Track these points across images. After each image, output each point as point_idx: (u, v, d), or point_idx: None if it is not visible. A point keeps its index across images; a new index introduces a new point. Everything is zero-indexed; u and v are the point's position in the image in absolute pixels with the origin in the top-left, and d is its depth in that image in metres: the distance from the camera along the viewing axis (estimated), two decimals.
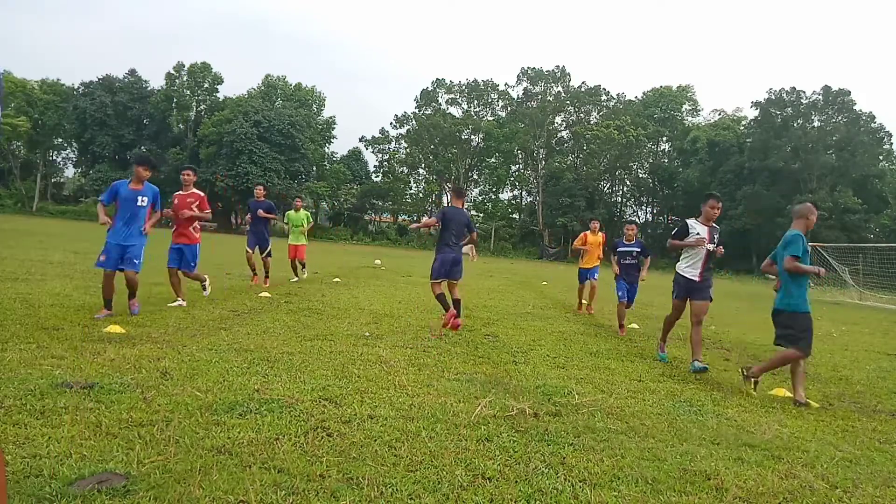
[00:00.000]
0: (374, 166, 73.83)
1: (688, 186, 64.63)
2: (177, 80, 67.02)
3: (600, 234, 12.02)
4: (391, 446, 3.27)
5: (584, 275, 11.98)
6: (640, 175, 71.66)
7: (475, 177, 74.10)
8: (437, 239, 8.15)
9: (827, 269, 27.51)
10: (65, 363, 4.36)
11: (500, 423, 3.83)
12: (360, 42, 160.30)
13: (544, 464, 3.21)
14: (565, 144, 71.37)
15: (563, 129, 71.80)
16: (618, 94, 71.23)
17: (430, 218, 9.38)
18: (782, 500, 3.05)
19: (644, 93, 74.00)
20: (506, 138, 69.64)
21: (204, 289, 8.84)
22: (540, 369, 5.76)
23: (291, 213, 13.11)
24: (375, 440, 3.34)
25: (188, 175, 8.57)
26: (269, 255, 11.57)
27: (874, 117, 57.37)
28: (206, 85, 67.57)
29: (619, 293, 9.39)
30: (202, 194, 8.69)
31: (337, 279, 14.10)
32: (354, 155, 74.64)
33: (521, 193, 75.49)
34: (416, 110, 72.14)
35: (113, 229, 6.84)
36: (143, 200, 6.99)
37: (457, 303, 7.89)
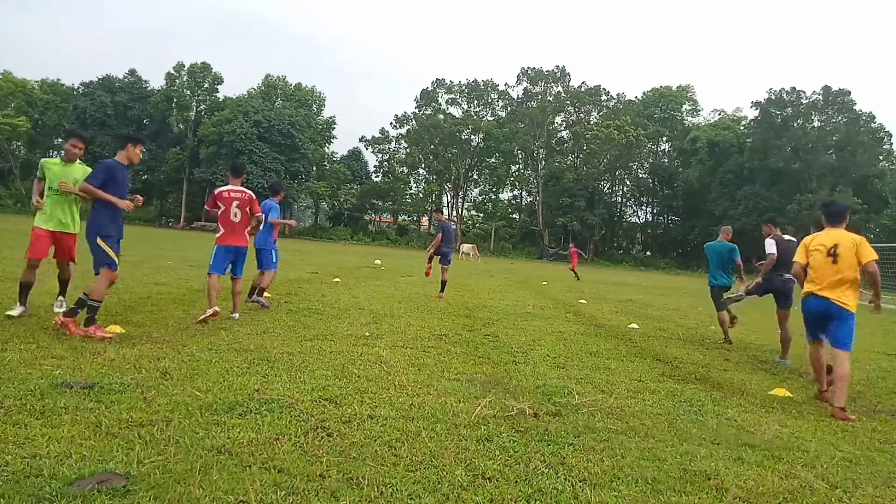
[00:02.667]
0: (374, 166, 73.98)
1: (688, 186, 64.70)
2: (177, 80, 67.11)
3: (848, 234, 5.60)
4: (391, 446, 3.27)
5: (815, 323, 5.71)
6: (640, 175, 71.70)
7: (475, 177, 74.13)
8: (446, 240, 12.44)
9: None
10: (65, 363, 4.36)
11: (500, 423, 3.83)
12: (360, 42, 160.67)
13: (544, 464, 3.21)
14: (565, 144, 71.41)
15: (563, 129, 71.86)
16: (618, 94, 71.35)
17: (438, 235, 12.70)
18: (782, 500, 3.05)
19: (644, 93, 74.15)
20: (506, 138, 69.67)
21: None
22: (540, 369, 5.76)
23: (55, 164, 6.27)
24: (375, 440, 3.34)
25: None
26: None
27: (874, 117, 57.48)
28: (206, 85, 67.67)
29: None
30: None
31: (337, 279, 14.10)
32: (354, 155, 74.69)
33: (521, 193, 75.58)
34: (416, 110, 72.20)
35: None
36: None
37: (443, 284, 12.31)
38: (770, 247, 7.74)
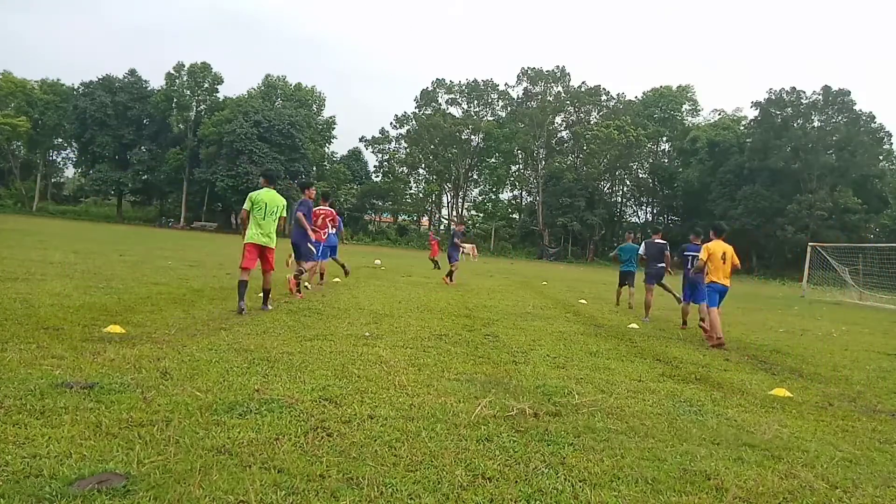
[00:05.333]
0: (374, 166, 73.95)
1: (688, 186, 64.68)
2: (177, 80, 66.99)
3: (727, 244, 9.16)
4: (391, 446, 3.27)
5: None
6: (640, 175, 71.68)
7: (475, 177, 74.13)
8: (450, 244, 17.18)
9: (826, 268, 27.84)
10: (65, 363, 4.36)
11: (500, 423, 3.83)
12: (360, 42, 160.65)
13: (544, 464, 3.21)
14: (565, 144, 71.38)
15: (563, 129, 71.85)
16: (618, 94, 71.31)
17: (456, 240, 17.21)
18: (782, 499, 3.05)
19: (644, 93, 74.10)
20: (506, 138, 69.65)
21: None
22: (540, 369, 5.76)
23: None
24: (375, 440, 3.34)
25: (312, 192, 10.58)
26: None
27: (874, 117, 57.43)
28: (206, 85, 67.54)
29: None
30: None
31: (337, 279, 14.09)
32: (354, 155, 74.66)
33: (521, 193, 75.57)
34: (416, 110, 72.19)
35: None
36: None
37: (451, 273, 16.37)
38: (641, 248, 12.08)
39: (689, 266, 10.15)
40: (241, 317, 7.37)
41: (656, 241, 11.81)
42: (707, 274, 9.03)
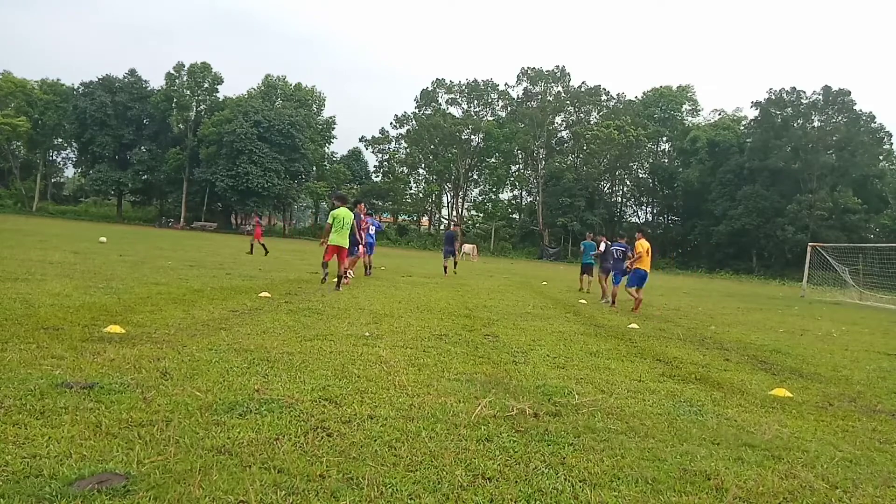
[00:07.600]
0: (374, 166, 73.98)
1: (688, 186, 64.65)
2: (177, 80, 66.98)
3: (646, 242, 13.49)
4: (391, 446, 3.27)
5: None
6: (640, 175, 71.66)
7: (475, 177, 74.10)
8: (444, 243, 21.03)
9: (826, 268, 27.84)
10: (65, 363, 4.35)
11: (500, 424, 3.83)
12: (360, 42, 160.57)
13: (544, 464, 3.21)
14: (565, 144, 71.35)
15: (563, 129, 71.82)
16: (618, 94, 71.31)
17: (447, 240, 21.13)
18: (782, 500, 3.05)
19: (644, 93, 74.12)
20: (506, 138, 69.63)
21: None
22: (540, 369, 5.76)
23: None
24: (375, 440, 3.34)
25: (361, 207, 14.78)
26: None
27: (874, 117, 57.46)
28: (206, 85, 67.54)
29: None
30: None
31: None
32: (354, 155, 74.69)
33: (521, 193, 75.57)
34: (416, 110, 72.18)
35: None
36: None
37: (454, 263, 20.36)
38: (601, 245, 16.47)
39: (619, 258, 14.21)
40: (241, 317, 7.38)
41: (608, 242, 16.14)
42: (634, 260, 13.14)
